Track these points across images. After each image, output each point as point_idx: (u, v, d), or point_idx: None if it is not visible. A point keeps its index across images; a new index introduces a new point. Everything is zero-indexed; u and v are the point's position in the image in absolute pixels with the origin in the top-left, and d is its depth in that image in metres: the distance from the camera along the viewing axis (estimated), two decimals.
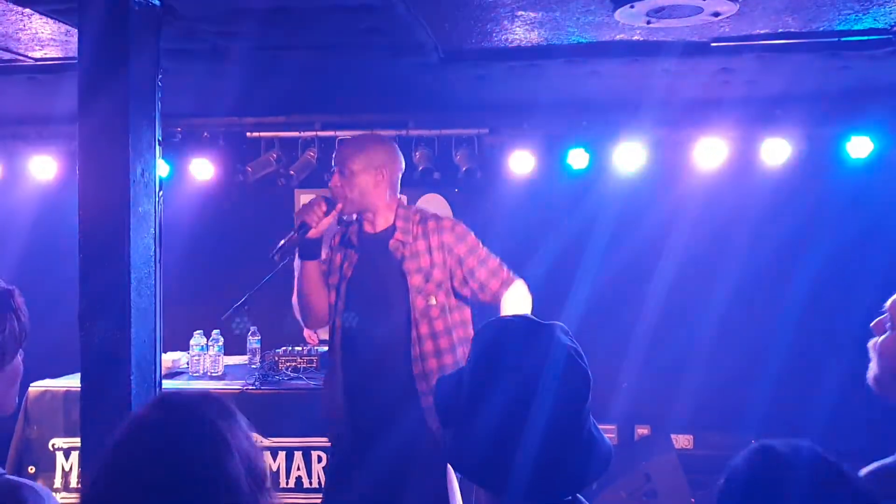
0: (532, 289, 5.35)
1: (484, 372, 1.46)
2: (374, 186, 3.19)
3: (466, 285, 3.23)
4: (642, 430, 5.67)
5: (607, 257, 5.43)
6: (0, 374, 1.64)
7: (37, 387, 4.36)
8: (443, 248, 3.19)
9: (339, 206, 3.17)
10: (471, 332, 3.24)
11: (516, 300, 3.25)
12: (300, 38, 3.70)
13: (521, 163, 5.59)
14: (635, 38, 3.75)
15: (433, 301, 3.12)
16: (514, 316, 1.59)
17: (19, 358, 1.68)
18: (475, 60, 4.11)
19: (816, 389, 5.07)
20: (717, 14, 3.33)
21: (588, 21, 3.47)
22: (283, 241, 3.12)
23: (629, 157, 5.49)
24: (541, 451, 1.39)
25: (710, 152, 5.46)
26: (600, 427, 1.53)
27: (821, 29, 3.63)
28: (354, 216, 3.32)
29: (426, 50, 3.84)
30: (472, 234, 3.34)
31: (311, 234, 3.10)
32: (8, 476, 1.61)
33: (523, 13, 3.36)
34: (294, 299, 5.32)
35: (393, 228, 3.22)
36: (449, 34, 3.70)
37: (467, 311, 3.29)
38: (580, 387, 1.45)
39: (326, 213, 3.14)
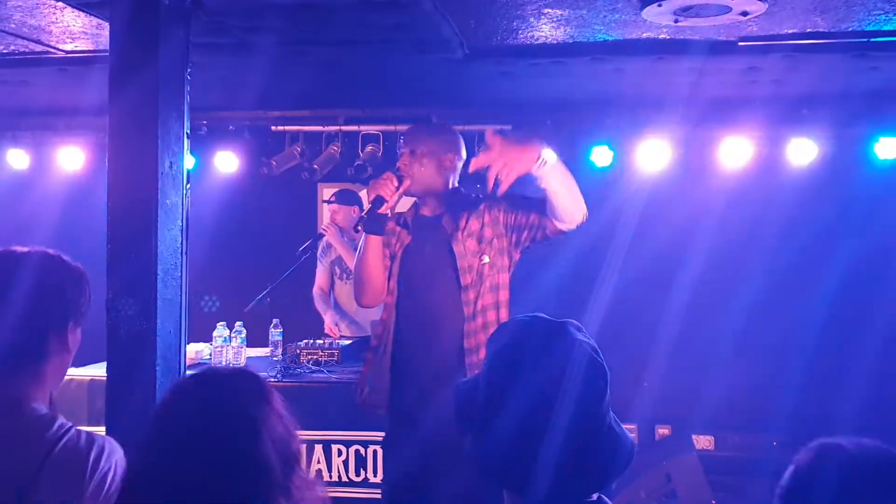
0: (554, 288, 5.39)
1: (503, 374, 1.45)
2: (440, 171, 3.26)
3: (523, 230, 3.24)
4: (663, 431, 5.65)
5: (630, 256, 5.42)
6: (74, 335, 1.75)
7: None
8: (493, 223, 3.22)
9: (407, 183, 3.23)
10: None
11: (565, 178, 3.20)
12: (325, 34, 3.72)
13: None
14: (662, 36, 3.73)
15: (486, 259, 3.17)
16: (527, 317, 1.57)
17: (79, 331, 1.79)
18: (500, 57, 4.11)
19: (841, 391, 5.03)
20: (745, 13, 3.30)
21: (615, 19, 3.46)
22: (363, 213, 3.18)
23: (653, 155, 5.47)
24: (563, 450, 1.38)
25: (735, 151, 5.42)
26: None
27: (850, 29, 3.59)
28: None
29: (451, 46, 3.85)
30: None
31: (383, 208, 3.16)
32: (79, 428, 1.68)
33: (550, 11, 3.36)
34: (315, 290, 5.39)
35: (449, 211, 3.29)
36: (475, 31, 3.71)
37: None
38: (600, 383, 1.44)
39: (397, 189, 3.19)
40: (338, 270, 5.42)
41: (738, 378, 5.29)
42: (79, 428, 1.68)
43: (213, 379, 1.48)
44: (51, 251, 1.81)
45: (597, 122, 5.46)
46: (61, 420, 1.66)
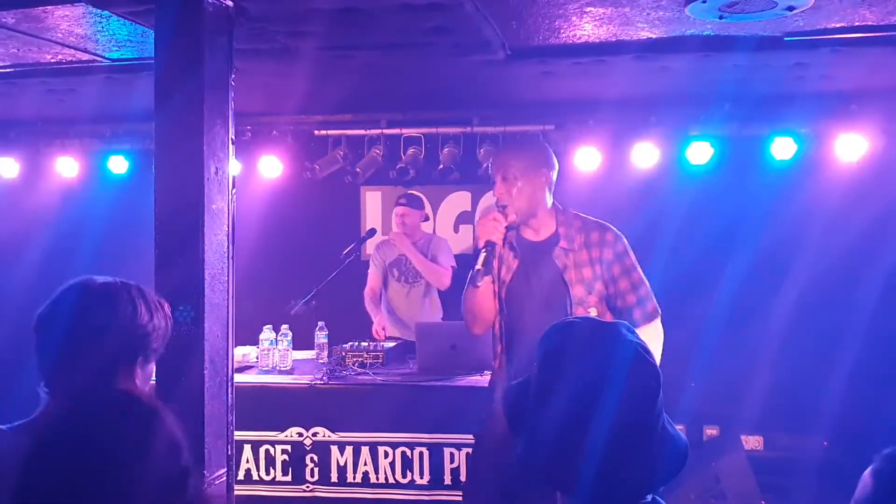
0: None
1: (549, 374, 1.45)
2: (536, 189, 3.10)
3: (613, 302, 3.14)
4: (711, 431, 5.57)
5: (675, 255, 5.34)
6: (144, 370, 1.72)
7: None
8: (602, 261, 3.08)
9: (512, 216, 3.08)
10: None
11: (649, 338, 3.12)
12: (367, 38, 3.74)
13: (587, 159, 5.54)
14: (706, 32, 3.68)
15: (593, 312, 3.05)
16: (577, 318, 1.57)
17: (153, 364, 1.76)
18: (542, 57, 4.09)
19: (892, 391, 4.91)
20: (791, 8, 3.24)
21: (658, 16, 3.42)
22: (477, 267, 3.02)
23: (698, 153, 5.40)
24: (610, 450, 1.37)
25: (782, 148, 5.33)
26: None
27: None
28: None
29: (493, 47, 3.84)
30: (632, 254, 3.18)
31: (496, 251, 3.04)
32: None
33: (592, 9, 3.33)
34: (366, 291, 5.41)
35: (556, 236, 3.13)
36: (516, 31, 3.69)
37: None
38: (650, 383, 1.43)
39: (508, 228, 3.07)
40: (395, 272, 5.44)
41: (786, 377, 5.20)
42: None
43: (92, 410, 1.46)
44: (129, 282, 1.76)
45: (641, 120, 5.40)
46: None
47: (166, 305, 1.79)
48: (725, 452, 4.87)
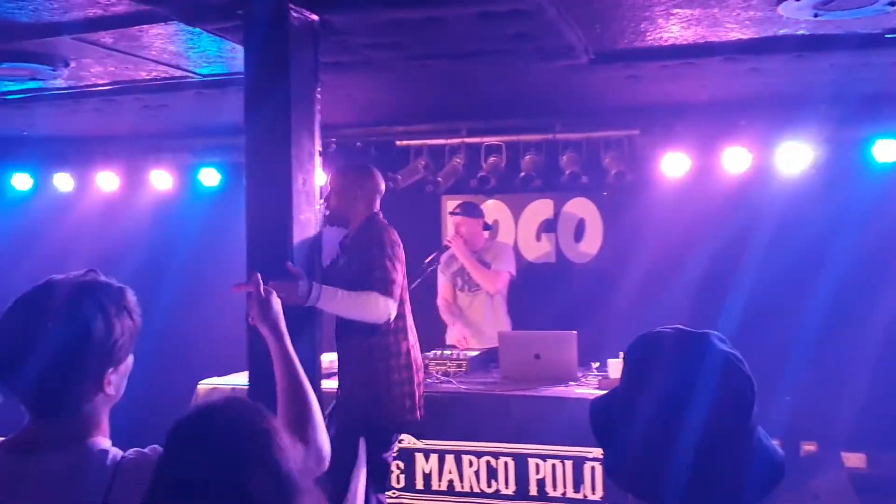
0: (686, 295, 5.21)
1: (635, 383, 1.42)
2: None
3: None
4: (808, 447, 5.34)
5: (767, 262, 5.17)
6: (115, 372, 1.58)
7: (205, 384, 4.60)
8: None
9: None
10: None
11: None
12: (448, 46, 3.75)
13: (674, 165, 5.42)
14: (800, 32, 3.56)
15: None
16: (666, 327, 1.54)
17: (131, 357, 1.63)
18: (627, 61, 4.03)
19: None
20: (892, 3, 3.10)
21: (749, 17, 3.33)
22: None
23: (793, 157, 5.22)
24: (699, 461, 1.32)
25: (884, 150, 5.10)
26: None
27: None
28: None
29: (576, 52, 3.79)
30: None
31: None
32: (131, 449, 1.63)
33: (679, 11, 3.26)
34: (439, 301, 5.42)
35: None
36: (600, 35, 3.65)
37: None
38: (742, 392, 1.38)
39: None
40: (459, 282, 5.44)
41: (891, 389, 4.95)
42: (134, 449, 1.59)
43: (214, 420, 1.40)
44: (86, 277, 1.60)
45: (730, 124, 5.25)
46: (114, 450, 1.57)
47: (129, 296, 1.62)
48: (824, 470, 4.67)
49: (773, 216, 5.14)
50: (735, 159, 5.32)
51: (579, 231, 6.16)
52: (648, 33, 3.61)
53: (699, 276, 5.19)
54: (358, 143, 5.98)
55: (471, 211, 5.42)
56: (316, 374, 2.91)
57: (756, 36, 3.61)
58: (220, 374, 4.74)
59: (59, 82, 4.29)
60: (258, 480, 1.32)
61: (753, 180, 5.36)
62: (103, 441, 1.58)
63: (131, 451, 1.58)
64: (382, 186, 3.91)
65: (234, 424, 1.38)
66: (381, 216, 3.84)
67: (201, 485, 1.33)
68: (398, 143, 5.90)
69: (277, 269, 2.79)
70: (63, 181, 6.59)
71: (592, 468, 3.96)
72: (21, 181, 6.58)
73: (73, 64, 3.93)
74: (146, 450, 1.57)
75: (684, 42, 3.73)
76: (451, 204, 6.39)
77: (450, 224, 6.43)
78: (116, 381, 1.58)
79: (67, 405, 1.54)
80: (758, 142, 5.28)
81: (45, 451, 1.52)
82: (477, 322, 5.32)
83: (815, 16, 3.22)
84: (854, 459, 5.23)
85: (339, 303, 3.28)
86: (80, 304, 1.53)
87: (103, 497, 1.50)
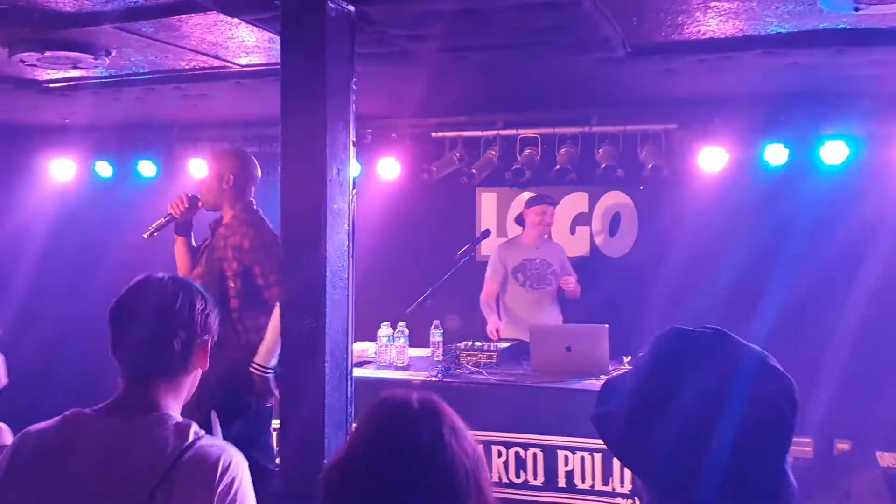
0: (722, 292, 5.16)
1: (664, 381, 1.40)
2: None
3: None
4: (842, 446, 5.27)
5: (804, 259, 5.11)
6: (204, 349, 1.89)
7: None
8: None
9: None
10: None
11: None
12: (484, 38, 3.74)
13: (711, 159, 5.37)
14: (841, 25, 3.50)
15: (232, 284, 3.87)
16: (698, 327, 1.52)
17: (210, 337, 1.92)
18: (664, 54, 3.99)
19: None
20: None
21: (789, 10, 3.28)
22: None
23: (833, 152, 5.14)
24: (734, 460, 1.31)
25: None
26: (795, 440, 1.44)
27: None
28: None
29: (612, 45, 3.77)
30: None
31: None
32: (210, 436, 1.81)
33: (717, 4, 3.23)
34: (483, 295, 5.44)
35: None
36: (637, 28, 3.62)
37: None
38: (782, 390, 1.35)
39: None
40: (520, 277, 5.43)
41: None
42: (210, 436, 1.79)
43: (405, 410, 1.51)
44: (185, 279, 1.98)
45: (770, 119, 5.19)
46: (196, 428, 1.76)
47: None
48: (858, 469, 4.61)
49: (811, 212, 5.08)
50: (774, 154, 5.26)
51: (614, 225, 6.14)
52: (686, 26, 3.57)
53: (735, 271, 5.14)
54: (393, 135, 6.01)
55: (553, 200, 5.50)
56: (349, 363, 2.94)
57: (796, 29, 3.56)
58: None
59: (101, 71, 4.36)
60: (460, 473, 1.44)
61: (792, 176, 5.29)
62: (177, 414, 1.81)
63: (208, 437, 1.78)
64: (258, 173, 4.04)
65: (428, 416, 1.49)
66: (254, 205, 3.96)
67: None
68: (433, 134, 5.91)
69: (310, 260, 2.83)
70: (103, 168, 6.71)
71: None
72: (63, 168, 6.71)
73: (114, 53, 4.00)
74: (219, 443, 1.79)
75: (722, 36, 3.69)
76: (486, 196, 6.40)
77: (484, 215, 6.44)
78: (203, 356, 1.87)
79: (169, 370, 1.81)
80: (797, 137, 5.21)
81: (135, 415, 1.76)
82: (533, 317, 5.32)
83: (856, 9, 3.16)
84: (889, 459, 5.15)
85: (277, 345, 3.41)
86: (178, 293, 1.85)
87: (172, 462, 1.68)
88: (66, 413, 1.79)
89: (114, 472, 1.67)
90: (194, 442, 1.72)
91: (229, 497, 1.69)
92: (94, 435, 1.73)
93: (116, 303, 1.86)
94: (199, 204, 4.01)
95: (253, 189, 4.00)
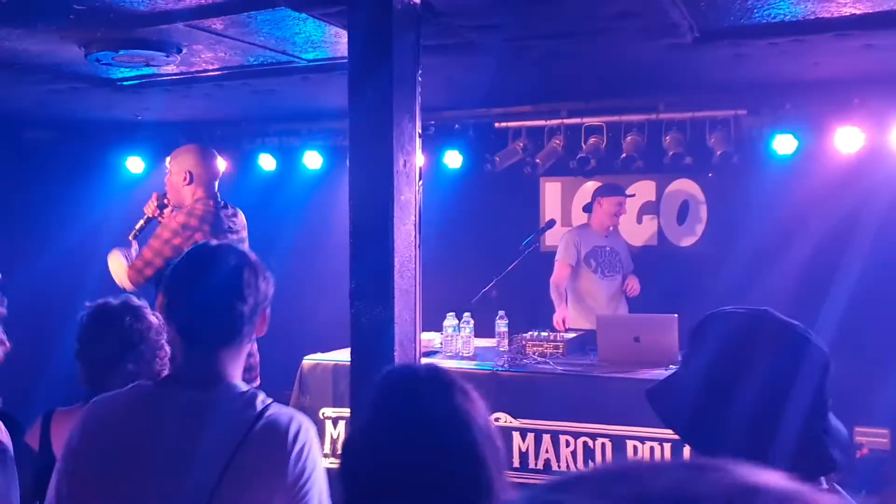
0: (791, 279, 5.05)
1: (731, 368, 1.43)
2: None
3: None
4: None
5: (877, 246, 4.97)
6: (263, 318, 1.87)
7: (310, 360, 4.77)
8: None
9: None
10: None
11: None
12: (550, 26, 3.73)
13: (783, 145, 5.25)
14: None
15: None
16: (739, 308, 1.56)
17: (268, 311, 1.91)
18: (734, 38, 3.91)
19: None
20: None
21: None
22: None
23: None
24: (802, 436, 1.37)
25: None
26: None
27: None
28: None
29: (680, 31, 3.71)
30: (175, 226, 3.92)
31: None
32: (277, 403, 1.83)
33: None
34: (553, 279, 5.44)
35: None
36: (705, 13, 3.56)
37: None
38: (820, 363, 1.41)
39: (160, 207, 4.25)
40: (593, 263, 5.42)
41: None
42: (277, 403, 1.81)
43: (416, 377, 1.51)
44: (240, 248, 1.94)
45: (843, 103, 5.04)
46: (263, 395, 1.79)
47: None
48: None
49: (885, 199, 4.92)
50: (847, 139, 5.11)
51: (682, 213, 6.05)
52: (756, 10, 3.50)
53: (806, 260, 5.03)
54: (456, 125, 6.02)
55: (625, 192, 5.53)
56: (417, 352, 2.98)
57: (870, 11, 3.45)
58: (322, 350, 4.89)
59: (172, 68, 4.48)
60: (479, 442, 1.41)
61: (866, 161, 5.13)
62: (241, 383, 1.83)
63: (275, 404, 1.79)
64: (218, 168, 4.16)
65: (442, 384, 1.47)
66: (213, 200, 4.05)
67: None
68: (497, 124, 5.90)
69: (378, 250, 2.87)
70: None
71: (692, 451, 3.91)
72: (135, 164, 6.91)
73: (185, 50, 4.10)
74: (286, 410, 1.80)
75: (793, 18, 3.60)
76: (549, 186, 6.36)
77: (548, 205, 6.42)
78: (260, 323, 1.87)
79: (234, 338, 1.81)
80: (871, 121, 5.05)
81: (203, 386, 1.78)
82: (603, 305, 5.32)
83: None
84: None
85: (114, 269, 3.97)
86: (241, 261, 1.84)
87: (245, 433, 1.70)
88: (132, 384, 1.84)
89: (187, 445, 1.69)
90: (263, 411, 1.74)
91: (300, 463, 1.72)
92: (165, 407, 1.75)
93: (175, 269, 1.86)
94: (166, 201, 4.15)
95: (216, 183, 4.11)
